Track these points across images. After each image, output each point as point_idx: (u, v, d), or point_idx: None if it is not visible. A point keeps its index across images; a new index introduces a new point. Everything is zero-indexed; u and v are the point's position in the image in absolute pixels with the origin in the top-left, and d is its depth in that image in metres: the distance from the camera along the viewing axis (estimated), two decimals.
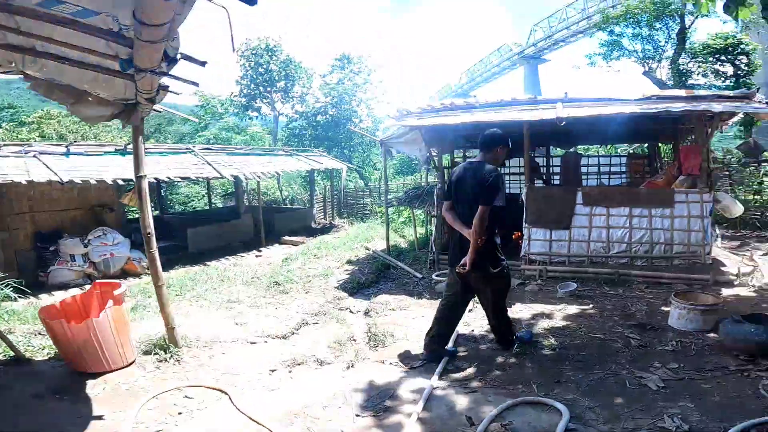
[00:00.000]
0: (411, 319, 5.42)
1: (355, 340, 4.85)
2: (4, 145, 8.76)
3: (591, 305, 5.21)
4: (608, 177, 10.50)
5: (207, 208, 18.05)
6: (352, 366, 4.10)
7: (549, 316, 4.97)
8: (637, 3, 14.92)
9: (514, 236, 8.63)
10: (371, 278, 7.77)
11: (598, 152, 14.25)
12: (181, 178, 10.14)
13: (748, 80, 13.69)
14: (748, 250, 7.59)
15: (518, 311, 5.32)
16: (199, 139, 21.50)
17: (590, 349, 4.05)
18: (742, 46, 13.92)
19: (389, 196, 10.42)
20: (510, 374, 3.66)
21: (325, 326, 5.39)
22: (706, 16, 15.37)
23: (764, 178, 9.89)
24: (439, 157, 8.11)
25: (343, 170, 15.88)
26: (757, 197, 9.66)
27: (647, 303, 5.18)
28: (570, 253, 6.85)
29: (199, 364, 4.19)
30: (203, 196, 23.30)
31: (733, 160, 10.15)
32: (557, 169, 10.06)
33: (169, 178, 9.72)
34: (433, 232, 8.05)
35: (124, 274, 9.16)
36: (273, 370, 4.05)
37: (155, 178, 9.49)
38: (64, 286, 8.11)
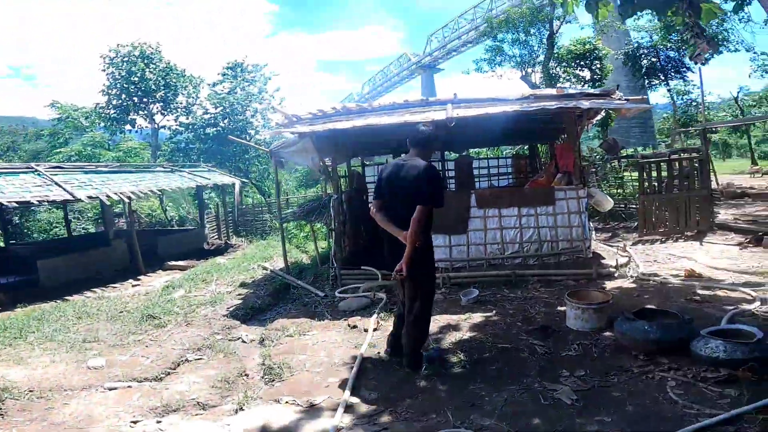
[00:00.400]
0: (311, 345, 4.86)
1: (246, 375, 4.24)
2: None
3: (494, 311, 5.15)
4: (497, 178, 11.05)
5: (71, 235, 15.35)
6: (242, 409, 3.49)
7: (456, 328, 4.77)
8: (516, 9, 16.24)
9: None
10: (268, 301, 7.03)
11: (487, 155, 15.09)
12: (17, 203, 8.27)
13: (602, 84, 15.60)
14: (620, 241, 8.41)
15: None
16: (57, 157, 18.33)
17: (500, 361, 3.87)
18: (596, 52, 15.84)
19: (288, 211, 9.69)
20: (422, 402, 3.30)
21: (211, 362, 4.66)
22: (569, 23, 17.36)
23: (624, 173, 11.20)
24: (333, 166, 7.65)
25: (235, 185, 14.64)
26: (620, 191, 10.88)
27: (545, 304, 5.27)
28: (469, 258, 6.86)
29: (30, 419, 3.46)
30: (71, 220, 19.87)
31: (597, 157, 11.33)
32: (452, 173, 10.30)
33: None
34: (333, 247, 7.55)
35: None
36: (136, 422, 3.39)
37: None
38: None
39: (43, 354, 4.95)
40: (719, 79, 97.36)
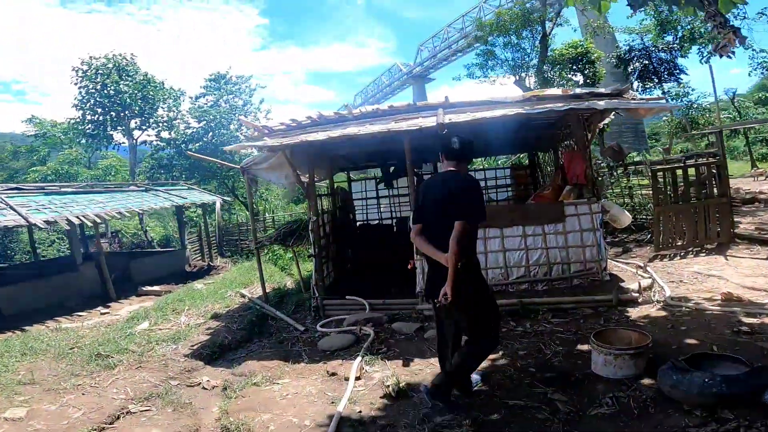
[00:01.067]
0: (280, 399, 4.02)
1: None
2: None
3: (500, 352, 4.28)
4: (495, 191, 10.15)
5: (38, 259, 14.39)
6: None
7: None
8: (506, 10, 15.62)
9: (409, 266, 7.73)
10: (241, 336, 6.16)
11: (484, 166, 14.31)
12: None
13: (595, 89, 14.89)
14: (633, 257, 7.59)
15: (417, 371, 4.19)
16: (34, 176, 17.39)
17: (513, 425, 3.02)
18: (588, 55, 15.23)
19: (268, 233, 8.82)
20: None
21: (157, 416, 3.86)
22: (561, 25, 16.78)
23: (632, 182, 10.43)
24: (310, 182, 6.82)
25: (217, 204, 13.77)
26: (629, 201, 10.10)
27: (561, 340, 4.41)
28: None
29: None
30: (53, 241, 18.72)
31: (602, 165, 10.57)
32: None
33: None
34: (314, 274, 6.70)
35: None
36: None
37: None
38: None
39: None
40: (704, 81, 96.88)
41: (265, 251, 13.43)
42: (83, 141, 19.43)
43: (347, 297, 6.54)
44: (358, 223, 9.61)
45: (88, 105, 18.36)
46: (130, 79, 18.69)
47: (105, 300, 10.18)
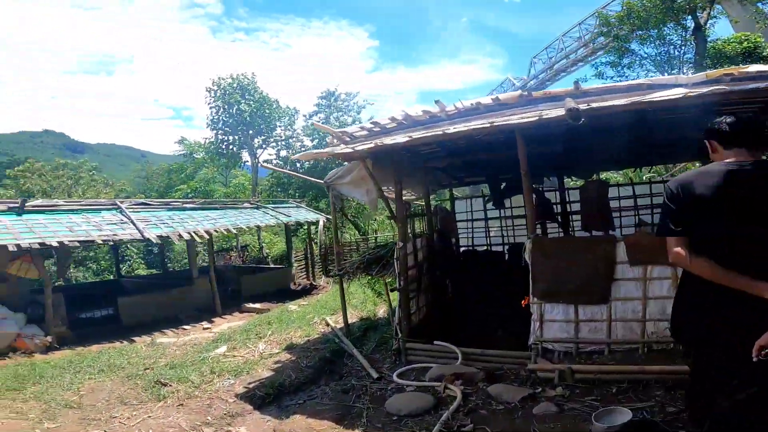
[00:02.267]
0: None
1: None
2: None
3: None
4: (650, 214, 7.49)
5: (166, 271, 15.92)
6: None
7: None
8: (638, 1, 12.83)
9: (523, 302, 6.17)
10: (306, 376, 5.32)
11: (617, 181, 11.58)
12: (80, 242, 8.00)
13: None
14: None
15: None
16: (178, 193, 19.76)
17: None
18: (759, 51, 11.58)
19: (353, 259, 7.95)
20: None
21: None
22: (715, 17, 13.29)
23: None
24: (396, 200, 5.72)
25: (320, 222, 13.61)
26: None
27: None
28: (611, 340, 4.24)
29: None
30: (198, 253, 21.17)
31: None
32: (575, 208, 7.39)
33: (61, 243, 7.61)
34: (398, 312, 5.55)
35: (14, 351, 7.27)
36: None
37: (41, 243, 7.37)
38: None
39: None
40: None
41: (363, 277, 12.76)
42: (221, 160, 21.49)
43: (435, 342, 5.23)
44: (461, 249, 8.22)
45: (219, 125, 20.26)
46: (250, 97, 20.14)
47: (212, 314, 10.43)
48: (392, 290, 5.84)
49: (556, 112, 3.81)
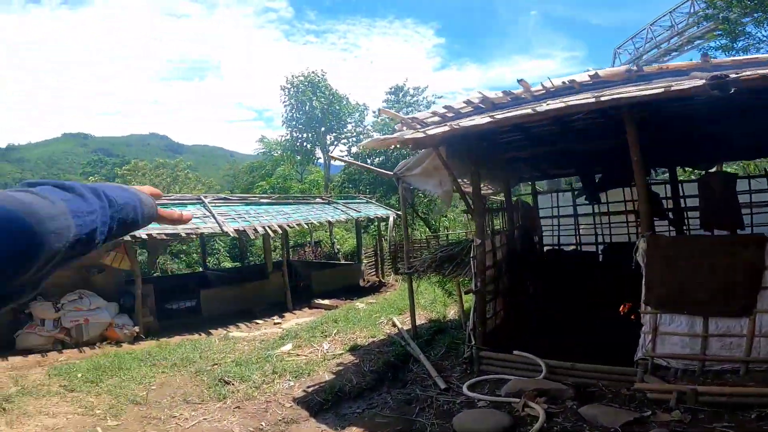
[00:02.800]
0: None
1: None
2: None
3: None
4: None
5: (243, 264, 16.61)
6: None
7: None
8: None
9: (621, 309, 5.36)
10: (369, 380, 4.99)
11: (737, 171, 9.67)
12: (167, 235, 8.40)
13: None
14: None
15: None
16: (258, 190, 20.69)
17: None
18: None
19: (423, 256, 7.45)
20: None
21: None
22: None
23: None
24: (474, 192, 5.12)
25: (390, 219, 13.29)
26: None
27: None
28: (752, 357, 3.36)
29: None
30: (275, 248, 22.14)
31: None
32: (689, 202, 6.16)
33: (149, 235, 8.04)
34: (472, 315, 4.98)
35: (104, 340, 7.85)
36: None
37: (132, 236, 7.84)
38: (29, 351, 7.20)
39: (58, 412, 4.05)
40: None
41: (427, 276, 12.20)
42: (296, 157, 22.16)
43: (515, 352, 4.59)
44: (545, 249, 7.37)
45: (293, 123, 20.81)
46: (321, 94, 20.40)
47: (283, 309, 10.57)
48: (466, 292, 5.27)
49: (692, 82, 2.98)
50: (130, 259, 8.30)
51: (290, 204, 12.26)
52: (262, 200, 11.91)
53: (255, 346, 6.84)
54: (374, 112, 20.85)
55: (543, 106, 3.58)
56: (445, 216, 20.98)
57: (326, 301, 11.15)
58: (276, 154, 23.72)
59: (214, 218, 9.40)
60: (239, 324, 9.23)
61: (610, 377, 3.97)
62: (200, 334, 8.38)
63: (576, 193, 7.13)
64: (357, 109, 21.34)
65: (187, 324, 9.27)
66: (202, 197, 10.45)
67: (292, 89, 20.73)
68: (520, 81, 4.29)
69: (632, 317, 4.97)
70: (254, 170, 24.69)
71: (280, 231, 10.18)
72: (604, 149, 5.22)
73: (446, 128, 4.06)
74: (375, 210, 13.42)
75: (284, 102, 21.07)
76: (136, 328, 8.03)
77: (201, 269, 16.75)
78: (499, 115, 3.84)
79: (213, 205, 10.29)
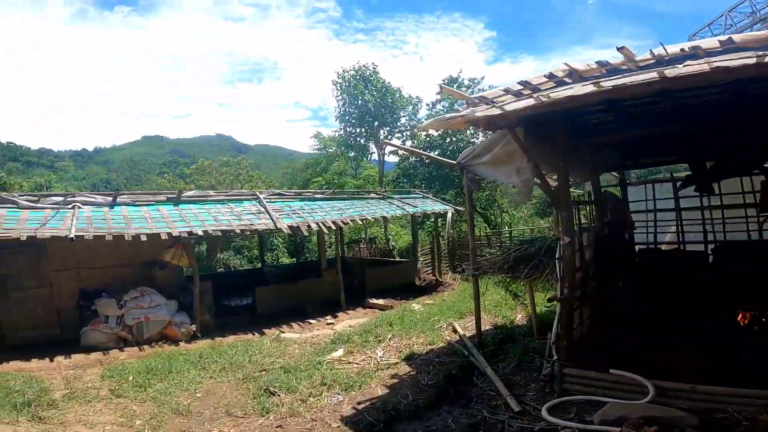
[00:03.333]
0: None
1: None
2: (43, 195, 8.22)
3: None
4: None
5: (299, 261, 16.53)
6: None
7: None
8: None
9: (740, 318, 4.44)
10: (427, 397, 4.41)
11: None
12: (222, 231, 8.29)
13: None
14: None
15: None
16: (314, 186, 20.72)
17: None
18: None
19: (492, 254, 6.67)
20: None
21: None
22: None
23: None
24: (560, 185, 4.31)
25: (448, 214, 12.53)
26: None
27: None
28: None
29: None
30: (330, 244, 22.09)
31: None
32: None
33: (206, 232, 7.96)
34: (555, 326, 4.20)
35: (163, 339, 7.88)
36: None
37: (189, 232, 7.81)
38: (94, 349, 7.28)
39: (98, 422, 3.85)
40: None
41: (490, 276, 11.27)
42: (351, 153, 21.93)
43: (612, 371, 3.78)
44: (637, 248, 6.32)
45: (346, 117, 20.52)
46: (372, 87, 19.88)
47: (336, 309, 10.23)
48: (551, 300, 4.49)
49: None
50: (188, 256, 8.29)
51: (344, 199, 11.92)
52: (316, 196, 11.65)
53: (305, 350, 6.48)
54: (428, 104, 20.06)
55: (678, 69, 2.74)
56: (506, 211, 19.78)
57: (380, 301, 10.66)
58: (331, 151, 23.66)
59: (269, 214, 9.23)
60: (292, 323, 8.99)
61: (747, 402, 3.11)
62: (254, 334, 8.21)
63: (680, 183, 5.97)
64: (410, 101, 20.61)
65: (242, 323, 9.20)
66: (257, 193, 10.37)
67: (343, 84, 20.38)
68: (620, 49, 3.43)
69: (756, 326, 3.97)
70: (310, 167, 24.92)
71: (333, 227, 9.83)
72: (719, 130, 4.20)
73: (530, 102, 3.32)
74: (432, 205, 12.73)
75: (336, 97, 20.81)
76: (193, 327, 8.00)
77: (260, 265, 16.99)
78: (609, 83, 3.03)
79: (268, 200, 10.16)
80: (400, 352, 5.92)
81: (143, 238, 7.27)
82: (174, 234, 7.64)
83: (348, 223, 10.43)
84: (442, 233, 13.80)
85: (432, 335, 6.49)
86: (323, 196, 11.86)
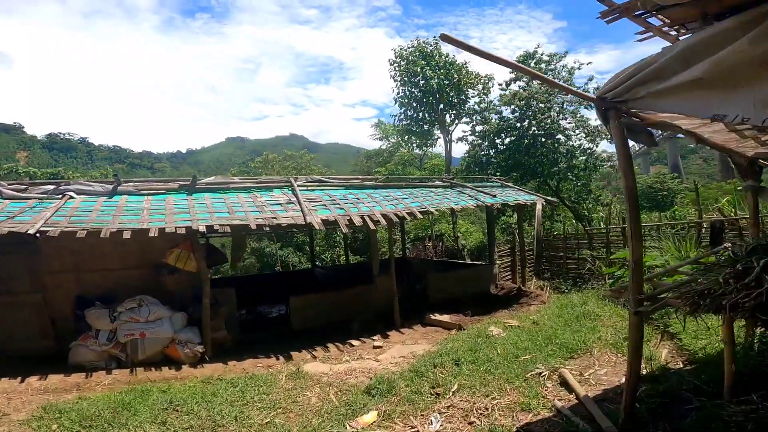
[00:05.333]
0: None
1: None
2: (33, 184, 6.90)
3: None
4: None
5: (348, 263, 14.53)
6: None
7: None
8: None
9: None
10: None
11: None
12: (233, 227, 6.42)
13: None
14: None
15: None
16: (377, 176, 18.71)
17: None
18: None
19: (672, 279, 3.93)
20: None
21: None
22: None
23: None
24: None
25: (537, 206, 9.71)
26: None
27: None
28: None
29: None
30: (395, 241, 19.55)
31: None
32: None
33: (211, 228, 6.18)
34: None
35: (167, 359, 6.24)
36: None
37: (188, 228, 6.01)
38: (81, 368, 5.93)
39: None
40: None
41: (605, 284, 8.35)
42: (413, 139, 19.45)
43: None
44: None
45: (405, 100, 17.87)
46: (434, 63, 16.91)
47: (388, 325, 8.06)
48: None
49: None
50: (196, 259, 6.56)
51: (402, 187, 9.64)
52: (366, 183, 9.51)
53: (325, 401, 4.32)
54: (500, 84, 16.97)
55: None
56: (604, 204, 16.15)
57: (445, 317, 8.27)
58: (393, 140, 21.49)
59: (300, 205, 7.26)
60: (329, 344, 6.99)
61: None
62: (278, 358, 6.35)
63: None
64: (479, 79, 17.41)
65: (269, 339, 7.50)
66: (292, 179, 8.44)
67: (402, 62, 17.35)
68: None
69: None
70: (371, 158, 23.07)
71: (382, 221, 7.59)
72: None
73: None
74: (515, 195, 9.98)
75: (394, 76, 17.74)
76: (199, 348, 6.25)
77: (317, 264, 15.34)
78: None
79: (303, 188, 8.23)
80: (470, 423, 3.51)
81: (126, 234, 5.59)
82: (168, 229, 5.90)
83: (404, 217, 8.14)
84: (528, 229, 10.97)
85: (526, 390, 3.99)
86: (375, 183, 9.68)
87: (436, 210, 8.40)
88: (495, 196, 9.48)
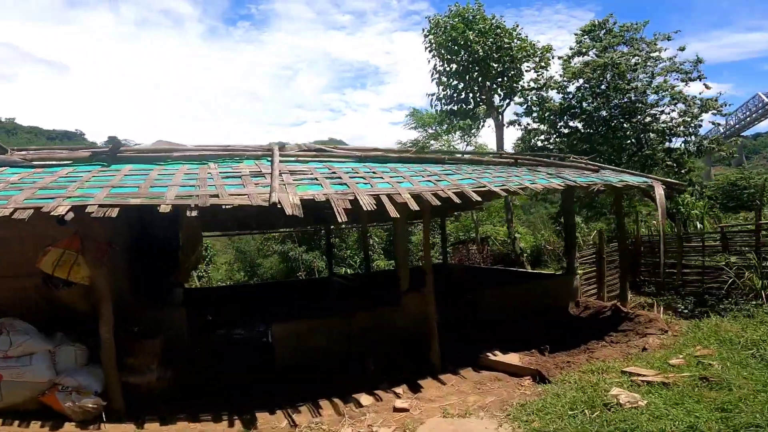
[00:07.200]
0: None
1: None
2: None
3: None
4: None
5: (369, 271, 11.62)
6: None
7: None
8: None
9: None
10: None
11: None
12: (120, 206, 3.69)
13: None
14: None
15: None
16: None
17: None
18: None
19: None
20: None
21: None
22: None
23: None
24: None
25: (657, 191, 6.20)
26: None
27: None
28: None
29: None
30: (433, 245, 16.09)
31: None
32: None
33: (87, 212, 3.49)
34: None
35: (47, 411, 3.77)
36: None
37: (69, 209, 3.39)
38: None
39: None
40: None
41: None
42: (456, 124, 16.36)
43: None
44: None
45: (442, 78, 14.28)
46: (478, 29, 13.32)
47: (421, 366, 5.12)
48: None
49: None
50: (88, 263, 3.96)
51: (443, 162, 6.64)
52: (389, 155, 6.60)
53: None
54: (560, 58, 13.74)
55: None
56: (705, 196, 12.44)
57: (513, 358, 5.25)
58: (431, 131, 18.60)
59: (271, 178, 4.50)
60: (322, 400, 4.25)
61: None
62: (231, 423, 3.82)
63: None
64: (535, 49, 13.66)
65: (237, 379, 4.86)
66: (274, 147, 5.64)
67: (438, 31, 13.52)
68: None
69: None
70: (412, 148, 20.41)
71: (412, 204, 4.62)
72: None
73: None
74: (616, 176, 6.70)
75: (428, 48, 13.89)
76: (94, 401, 3.63)
77: (337, 273, 12.69)
78: None
79: (287, 160, 5.49)
80: None
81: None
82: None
83: (447, 196, 5.03)
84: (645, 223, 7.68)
85: None
86: (402, 156, 6.77)
87: (502, 189, 5.34)
88: (597, 171, 6.32)
